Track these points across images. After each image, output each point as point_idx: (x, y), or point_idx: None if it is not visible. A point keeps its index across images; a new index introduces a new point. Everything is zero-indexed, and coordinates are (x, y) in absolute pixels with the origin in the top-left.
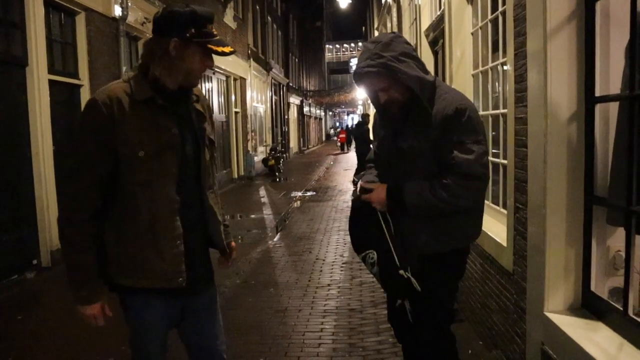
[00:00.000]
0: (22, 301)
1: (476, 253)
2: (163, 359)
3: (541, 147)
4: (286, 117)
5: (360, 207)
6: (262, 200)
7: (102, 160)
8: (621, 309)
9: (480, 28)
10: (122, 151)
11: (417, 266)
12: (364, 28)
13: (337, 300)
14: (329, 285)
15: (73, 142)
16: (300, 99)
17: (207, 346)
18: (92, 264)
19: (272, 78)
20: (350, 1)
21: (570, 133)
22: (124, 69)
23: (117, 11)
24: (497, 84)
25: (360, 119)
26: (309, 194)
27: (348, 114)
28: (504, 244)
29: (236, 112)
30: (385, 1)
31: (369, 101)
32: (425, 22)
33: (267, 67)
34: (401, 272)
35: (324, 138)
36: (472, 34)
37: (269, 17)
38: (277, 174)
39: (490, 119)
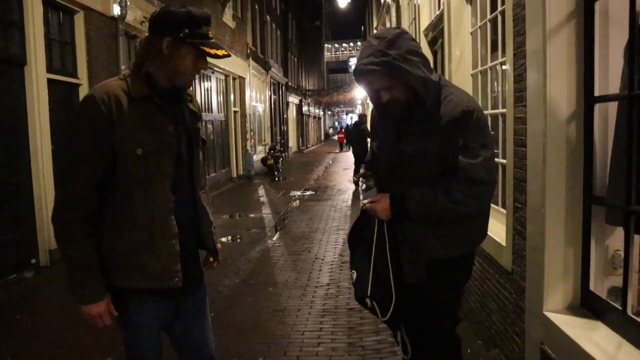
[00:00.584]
0: (21, 300)
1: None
2: (159, 359)
3: (540, 146)
4: (285, 116)
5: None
6: (261, 199)
7: (99, 157)
8: (620, 308)
9: (480, 28)
10: (120, 149)
11: (424, 273)
12: (362, 28)
13: (336, 299)
14: (328, 284)
15: (69, 138)
16: (299, 98)
17: (198, 347)
18: (93, 260)
19: (271, 77)
20: (349, 1)
21: (569, 133)
22: (122, 68)
23: (116, 10)
24: (496, 83)
25: (358, 119)
26: (308, 193)
27: (347, 114)
28: (503, 243)
29: (235, 112)
30: (384, 1)
31: (368, 100)
32: (425, 21)
33: (266, 67)
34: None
35: (322, 137)
36: (471, 33)
37: (268, 17)
38: (276, 173)
39: (489, 118)
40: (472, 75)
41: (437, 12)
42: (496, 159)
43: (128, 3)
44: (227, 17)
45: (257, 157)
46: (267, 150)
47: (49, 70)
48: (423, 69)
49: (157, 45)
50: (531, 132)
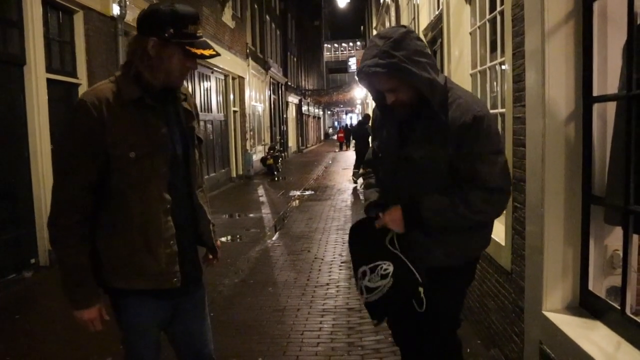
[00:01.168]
0: (20, 300)
1: None
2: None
3: (539, 146)
4: (285, 116)
5: (363, 225)
6: (261, 199)
7: (92, 162)
8: (619, 307)
9: (479, 28)
10: (113, 153)
11: (426, 279)
12: (362, 27)
13: (335, 299)
14: (327, 284)
15: (62, 144)
16: (299, 98)
17: (196, 347)
18: (86, 267)
19: (270, 77)
20: (349, 1)
21: (568, 132)
22: None
23: (115, 10)
24: (495, 83)
25: (362, 119)
26: (307, 193)
27: (346, 113)
28: (502, 243)
29: (235, 111)
30: (384, 0)
31: (367, 100)
32: (424, 21)
33: (265, 66)
34: (420, 289)
35: (322, 137)
36: (470, 33)
37: (267, 16)
38: (275, 173)
39: None
40: (471, 75)
41: (437, 12)
42: None
43: (127, 3)
44: (227, 17)
45: (256, 157)
46: (266, 150)
47: (48, 70)
48: (430, 71)
49: (144, 45)
50: (530, 132)
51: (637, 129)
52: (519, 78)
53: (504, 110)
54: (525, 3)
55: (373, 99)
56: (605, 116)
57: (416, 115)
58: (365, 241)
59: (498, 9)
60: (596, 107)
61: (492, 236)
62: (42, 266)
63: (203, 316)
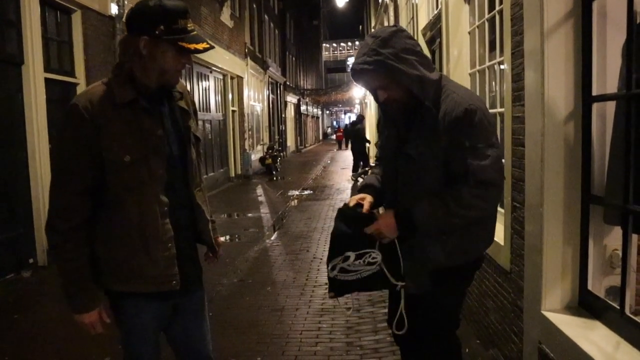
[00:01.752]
0: (18, 300)
1: None
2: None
3: (538, 146)
4: (283, 115)
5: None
6: (260, 199)
7: (87, 167)
8: (618, 307)
9: (478, 27)
10: (107, 157)
11: (429, 283)
12: (361, 27)
13: (334, 299)
14: (326, 284)
15: (57, 149)
16: (298, 97)
17: (195, 347)
18: (85, 271)
19: (269, 77)
20: (347, 0)
21: (567, 132)
22: None
23: (114, 9)
24: (494, 83)
25: (355, 119)
26: (306, 192)
27: (345, 113)
28: (501, 242)
29: (233, 111)
30: (382, 0)
31: (366, 100)
32: (423, 21)
33: (264, 66)
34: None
35: (321, 137)
36: (469, 33)
37: (265, 16)
38: (274, 172)
39: None
40: (470, 74)
41: (435, 12)
42: None
43: (125, 2)
44: (225, 17)
45: (255, 157)
46: (265, 150)
47: (47, 69)
48: (420, 68)
49: (135, 45)
50: (529, 132)
51: (636, 129)
52: (518, 77)
53: (503, 109)
54: (525, 2)
55: (372, 97)
56: (604, 115)
57: (411, 112)
58: (355, 227)
59: (497, 8)
60: (595, 107)
61: None
62: (41, 266)
63: (202, 317)
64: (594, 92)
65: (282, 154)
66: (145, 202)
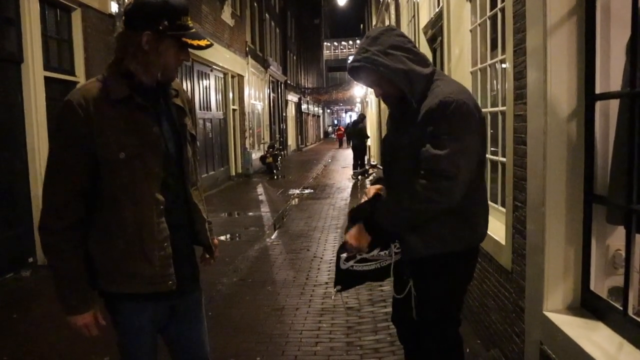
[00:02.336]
0: (18, 299)
1: None
2: None
3: (540, 144)
4: (284, 114)
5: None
6: (260, 197)
7: (81, 164)
8: (621, 308)
9: (479, 25)
10: (102, 154)
11: (409, 271)
12: (362, 25)
13: (334, 298)
14: (326, 283)
15: (50, 147)
16: (299, 96)
17: (192, 349)
18: (79, 272)
19: (270, 75)
20: None
21: (570, 130)
22: None
23: (114, 7)
24: (495, 81)
25: (357, 118)
26: (306, 191)
27: (346, 112)
28: (503, 242)
29: (234, 110)
30: None
31: (367, 99)
32: (424, 19)
33: (265, 65)
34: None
35: (322, 136)
36: (470, 31)
37: (266, 15)
38: (274, 171)
39: (489, 116)
40: (471, 73)
41: (437, 10)
42: (495, 157)
43: (125, 0)
44: (226, 15)
45: (255, 155)
46: (266, 149)
47: (46, 68)
48: (407, 62)
49: (136, 40)
50: (531, 130)
51: None
52: (520, 75)
53: (504, 108)
54: None
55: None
56: (607, 114)
57: (404, 107)
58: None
59: (499, 5)
60: (599, 105)
61: (492, 235)
62: (40, 265)
63: (199, 318)
64: (597, 90)
65: (282, 152)
66: (141, 201)
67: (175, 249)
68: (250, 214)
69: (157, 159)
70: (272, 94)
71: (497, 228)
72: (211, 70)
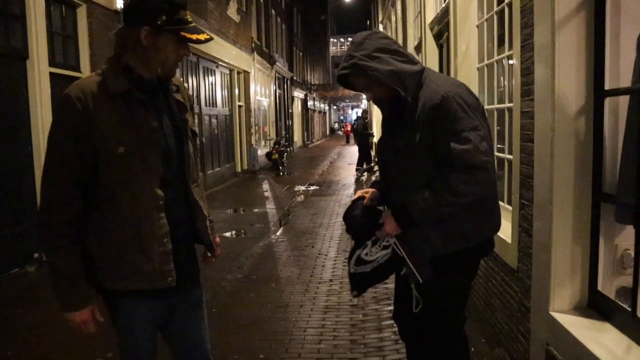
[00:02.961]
0: (23, 295)
1: None
2: None
3: (548, 141)
4: (290, 111)
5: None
6: (265, 194)
7: (79, 158)
8: (629, 309)
9: (486, 20)
10: (100, 148)
11: (430, 271)
12: (368, 22)
13: (338, 296)
14: (331, 280)
15: (49, 141)
16: (305, 92)
17: (193, 347)
18: (76, 268)
19: (276, 72)
20: None
21: (578, 127)
22: None
23: (119, 3)
24: (502, 77)
25: (360, 114)
26: (312, 188)
27: (352, 108)
28: (509, 240)
29: (240, 106)
30: None
31: None
32: (430, 15)
33: (271, 61)
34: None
35: (328, 132)
36: (477, 26)
37: (272, 11)
38: (280, 168)
39: (495, 113)
40: (478, 69)
41: (443, 5)
42: (502, 155)
43: None
44: (232, 11)
45: (261, 152)
46: (271, 145)
47: (52, 64)
48: (396, 63)
49: (135, 36)
50: (539, 127)
51: None
52: (527, 71)
53: (511, 104)
54: None
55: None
56: (617, 110)
57: (398, 107)
58: (363, 218)
59: (506, 0)
60: (608, 101)
61: (498, 233)
62: (45, 261)
63: (200, 316)
64: (606, 86)
65: (288, 149)
66: (140, 196)
67: (175, 245)
68: (256, 210)
69: (157, 154)
70: (278, 90)
71: (503, 226)
72: (217, 67)
